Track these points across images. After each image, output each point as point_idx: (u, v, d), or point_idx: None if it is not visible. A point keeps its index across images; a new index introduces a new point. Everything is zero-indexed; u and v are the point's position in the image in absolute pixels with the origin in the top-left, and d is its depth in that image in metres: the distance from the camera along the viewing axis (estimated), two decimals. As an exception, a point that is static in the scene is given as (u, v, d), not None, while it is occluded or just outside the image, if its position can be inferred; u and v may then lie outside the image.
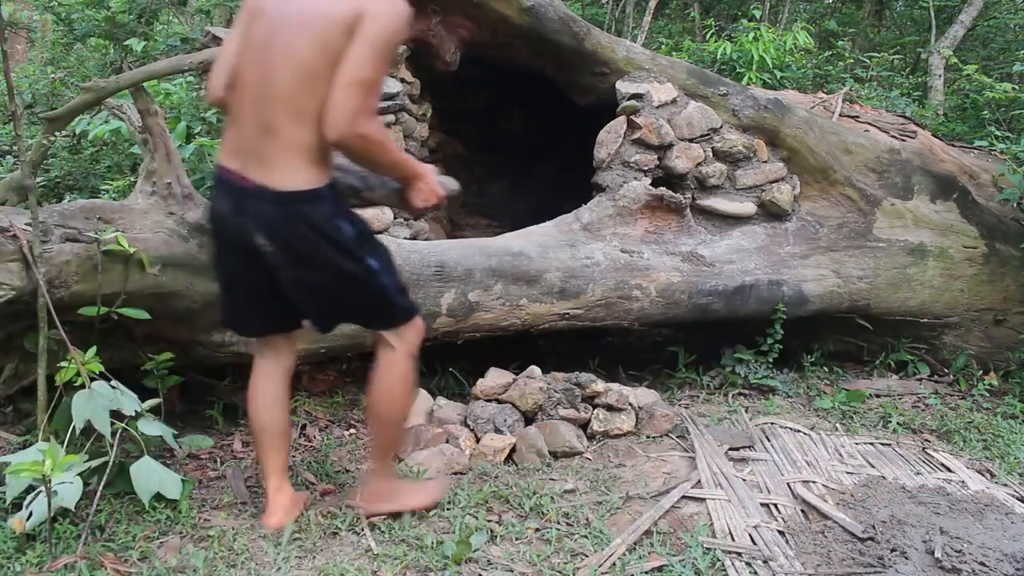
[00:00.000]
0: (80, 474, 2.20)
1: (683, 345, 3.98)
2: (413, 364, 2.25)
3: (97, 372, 2.36)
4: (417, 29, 3.45)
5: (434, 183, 2.22)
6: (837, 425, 3.32)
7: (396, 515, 2.32)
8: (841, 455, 2.96)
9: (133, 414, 2.36)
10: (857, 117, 4.42)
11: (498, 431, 2.92)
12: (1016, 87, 4.99)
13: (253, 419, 2.29)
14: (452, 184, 2.33)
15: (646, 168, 3.54)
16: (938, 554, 2.21)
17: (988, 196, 4.21)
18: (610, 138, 3.56)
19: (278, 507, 2.28)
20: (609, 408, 3.11)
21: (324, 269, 2.07)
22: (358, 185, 2.22)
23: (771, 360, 3.77)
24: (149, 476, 2.29)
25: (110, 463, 2.29)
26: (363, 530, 2.29)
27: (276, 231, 2.02)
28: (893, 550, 2.25)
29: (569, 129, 4.19)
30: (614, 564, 2.15)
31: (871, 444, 3.10)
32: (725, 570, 2.16)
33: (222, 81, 2.13)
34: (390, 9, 1.94)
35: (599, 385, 3.11)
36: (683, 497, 2.55)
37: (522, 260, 3.21)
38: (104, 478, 2.27)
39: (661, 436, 3.10)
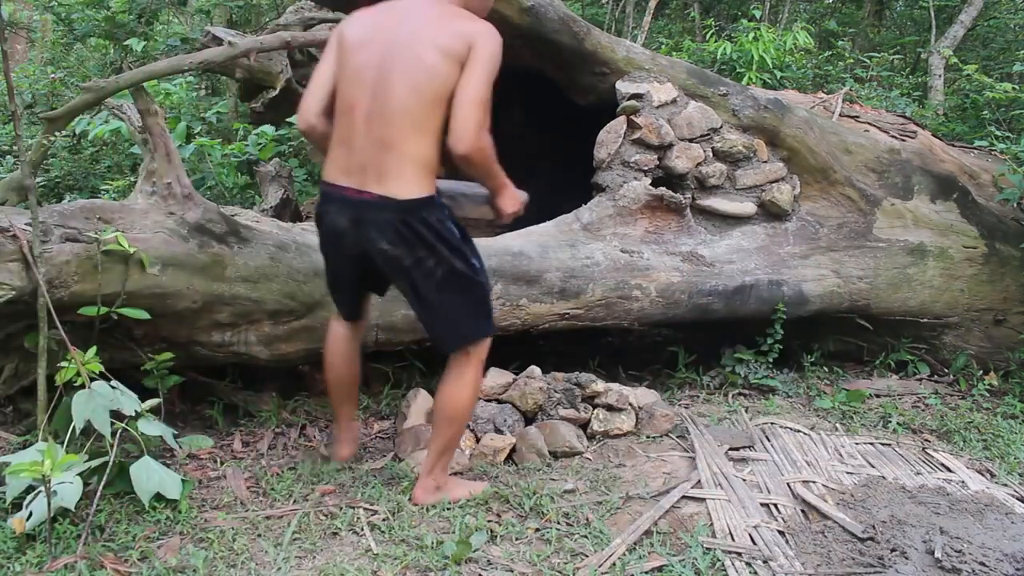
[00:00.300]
0: (80, 474, 2.20)
1: (683, 345, 3.98)
2: (481, 370, 2.48)
3: (97, 372, 2.36)
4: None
5: (516, 192, 2.47)
6: (837, 425, 3.32)
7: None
8: (841, 455, 2.96)
9: (133, 414, 2.36)
10: (857, 117, 4.42)
11: (498, 431, 2.92)
12: (1016, 87, 4.99)
13: (328, 378, 2.66)
14: (523, 194, 2.53)
15: (646, 168, 3.54)
16: (938, 554, 2.21)
17: (988, 196, 4.21)
18: (610, 138, 3.56)
19: (346, 444, 2.71)
20: (609, 408, 3.11)
21: (439, 267, 2.29)
22: (448, 203, 2.39)
23: (771, 360, 3.77)
24: (149, 476, 2.29)
25: (110, 463, 2.29)
26: (363, 530, 2.29)
27: (400, 236, 2.25)
28: (893, 550, 2.25)
29: (569, 129, 4.19)
30: (614, 564, 2.15)
31: (871, 444, 3.10)
32: (725, 570, 2.16)
33: (318, 108, 2.36)
34: (493, 36, 2.23)
35: (599, 385, 3.11)
36: (683, 497, 2.55)
37: (522, 260, 3.21)
38: (104, 478, 2.28)
39: (661, 436, 3.10)
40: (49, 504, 2.06)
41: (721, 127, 3.68)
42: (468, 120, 2.15)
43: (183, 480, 2.38)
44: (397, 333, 3.11)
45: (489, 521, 2.35)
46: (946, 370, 4.06)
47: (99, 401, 2.26)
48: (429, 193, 2.25)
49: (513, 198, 2.45)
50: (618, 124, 3.57)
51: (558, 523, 2.36)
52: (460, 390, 2.42)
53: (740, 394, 3.68)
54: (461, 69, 2.18)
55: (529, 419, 3.04)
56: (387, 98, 2.21)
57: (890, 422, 3.36)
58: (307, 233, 3.12)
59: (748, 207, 3.71)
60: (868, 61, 7.09)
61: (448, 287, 2.32)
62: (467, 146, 2.16)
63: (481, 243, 3.27)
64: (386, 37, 2.26)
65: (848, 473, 2.80)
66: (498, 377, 3.10)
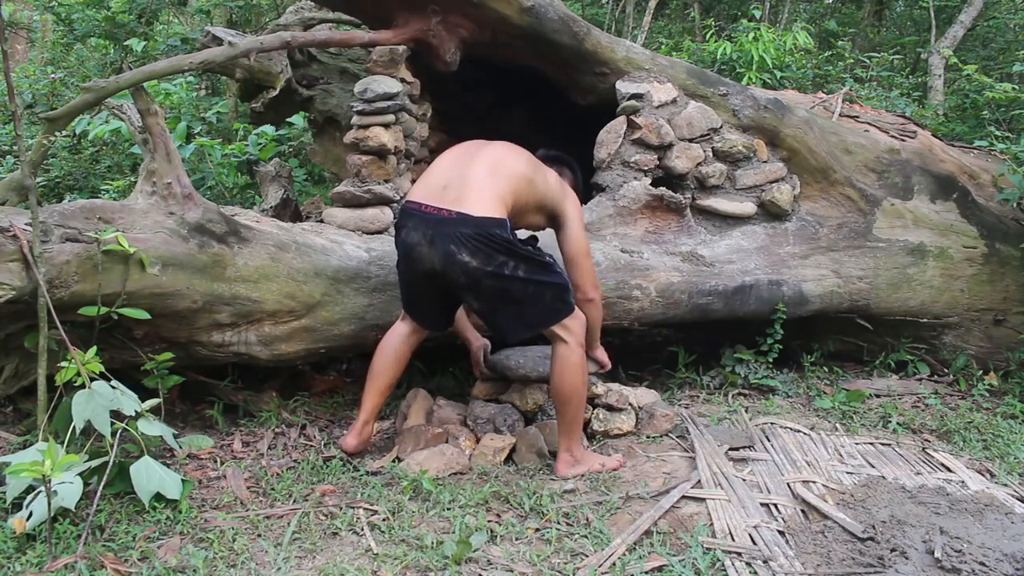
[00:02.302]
0: (80, 474, 2.20)
1: (683, 345, 3.98)
2: (583, 351, 2.74)
3: (97, 372, 2.36)
4: (417, 29, 3.46)
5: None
6: (837, 425, 3.32)
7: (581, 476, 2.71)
8: (841, 455, 2.96)
9: (133, 414, 2.37)
10: (857, 117, 4.42)
11: (498, 431, 2.92)
12: (1016, 87, 4.99)
13: (374, 364, 2.82)
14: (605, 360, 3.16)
15: (646, 168, 3.54)
16: (938, 554, 2.21)
17: (988, 196, 4.21)
18: (610, 138, 3.56)
19: (359, 437, 2.80)
20: (609, 408, 3.11)
21: (518, 271, 2.57)
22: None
23: (771, 360, 3.77)
24: (149, 476, 2.29)
25: (110, 463, 2.29)
26: (363, 530, 2.29)
27: (476, 248, 2.55)
28: (893, 550, 2.25)
29: (569, 129, 4.19)
30: (614, 564, 2.15)
31: (871, 444, 3.10)
32: (725, 570, 2.16)
33: None
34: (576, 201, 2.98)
35: (599, 387, 3.11)
36: (683, 497, 2.55)
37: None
38: (104, 478, 2.28)
39: (661, 436, 3.10)
40: (49, 504, 2.06)
41: (721, 127, 3.68)
42: (587, 271, 2.83)
43: (183, 480, 2.38)
44: (397, 333, 3.11)
45: (489, 521, 2.35)
46: (946, 370, 4.06)
47: (99, 401, 2.26)
48: (502, 215, 2.58)
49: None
50: (618, 124, 3.57)
51: (558, 523, 2.36)
52: (565, 371, 2.68)
53: (740, 394, 3.68)
54: (548, 204, 2.79)
55: (529, 419, 3.04)
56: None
57: (890, 422, 3.36)
58: (307, 233, 3.12)
59: (748, 207, 3.71)
60: (868, 61, 7.09)
61: (534, 278, 2.61)
62: (593, 292, 2.84)
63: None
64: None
65: (848, 473, 2.80)
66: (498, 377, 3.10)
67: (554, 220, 2.85)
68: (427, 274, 2.62)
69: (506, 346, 3.00)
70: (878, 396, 3.74)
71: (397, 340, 2.82)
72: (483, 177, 2.61)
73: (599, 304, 2.89)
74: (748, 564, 2.18)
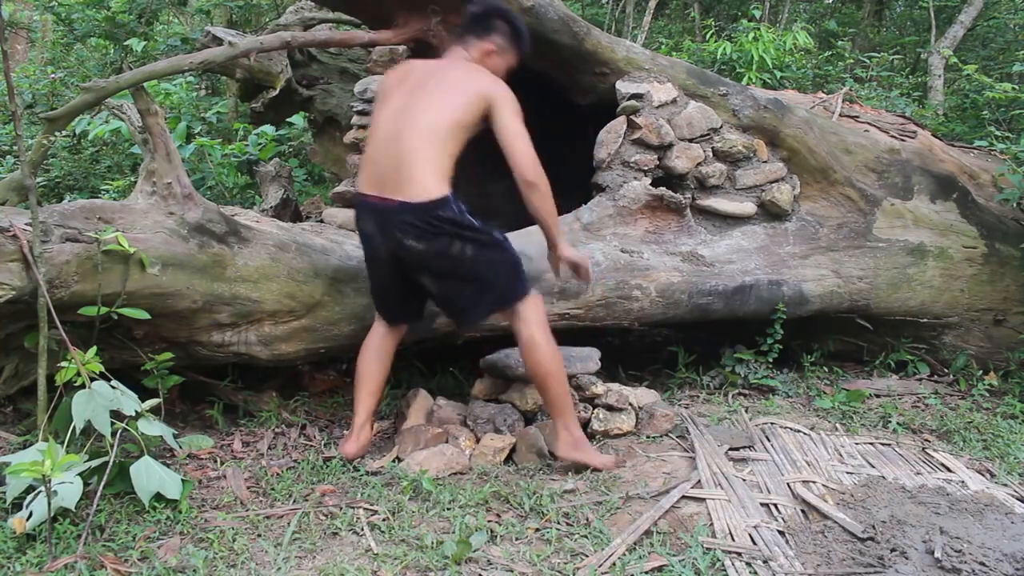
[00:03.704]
0: (80, 474, 2.20)
1: (683, 345, 3.98)
2: (547, 331, 2.68)
3: (97, 372, 2.36)
4: (417, 29, 3.46)
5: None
6: (837, 425, 3.32)
7: (582, 467, 2.70)
8: (841, 455, 2.96)
9: (133, 414, 2.37)
10: (857, 117, 4.42)
11: (498, 431, 2.92)
12: (1016, 87, 4.99)
13: (358, 368, 2.83)
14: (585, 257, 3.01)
15: (646, 168, 3.54)
16: (938, 554, 2.21)
17: (988, 196, 4.21)
18: (610, 138, 3.56)
19: (358, 440, 2.79)
20: (609, 408, 3.11)
21: (465, 250, 2.55)
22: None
23: (771, 360, 3.77)
24: (149, 476, 2.29)
25: (110, 463, 2.29)
26: (363, 530, 2.29)
27: (421, 232, 2.53)
28: (893, 550, 2.25)
29: (569, 129, 4.19)
30: (614, 564, 2.15)
31: (871, 444, 3.10)
32: (725, 570, 2.16)
33: None
34: (508, 92, 2.72)
35: (599, 387, 3.11)
36: (683, 497, 2.55)
37: (522, 260, 3.20)
38: (104, 478, 2.28)
39: (661, 436, 3.10)
40: (49, 504, 2.06)
41: (721, 127, 3.68)
42: (523, 153, 2.59)
43: (183, 480, 2.38)
44: (397, 333, 3.11)
45: (489, 521, 2.35)
46: (946, 370, 4.05)
47: (99, 401, 2.26)
48: (443, 194, 2.52)
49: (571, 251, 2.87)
50: (618, 124, 3.57)
51: (558, 523, 2.36)
52: (531, 354, 2.66)
53: (740, 394, 3.68)
54: (481, 114, 2.60)
55: (529, 419, 3.04)
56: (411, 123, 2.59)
57: (890, 422, 3.36)
58: (307, 233, 3.12)
59: (748, 207, 3.71)
60: (868, 61, 7.09)
61: (483, 258, 2.59)
62: (533, 174, 2.59)
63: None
64: (416, 78, 2.70)
65: (848, 473, 2.80)
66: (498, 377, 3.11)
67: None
68: (385, 261, 2.67)
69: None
70: (878, 396, 3.74)
71: (377, 340, 2.83)
72: (418, 152, 2.54)
73: (545, 192, 2.64)
74: (748, 564, 2.18)
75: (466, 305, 2.71)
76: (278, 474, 2.64)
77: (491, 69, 2.78)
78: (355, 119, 3.41)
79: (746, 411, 3.41)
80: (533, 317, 2.67)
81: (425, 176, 2.52)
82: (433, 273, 2.63)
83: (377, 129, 2.69)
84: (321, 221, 3.50)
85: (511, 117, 2.63)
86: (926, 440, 3.24)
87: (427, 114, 2.60)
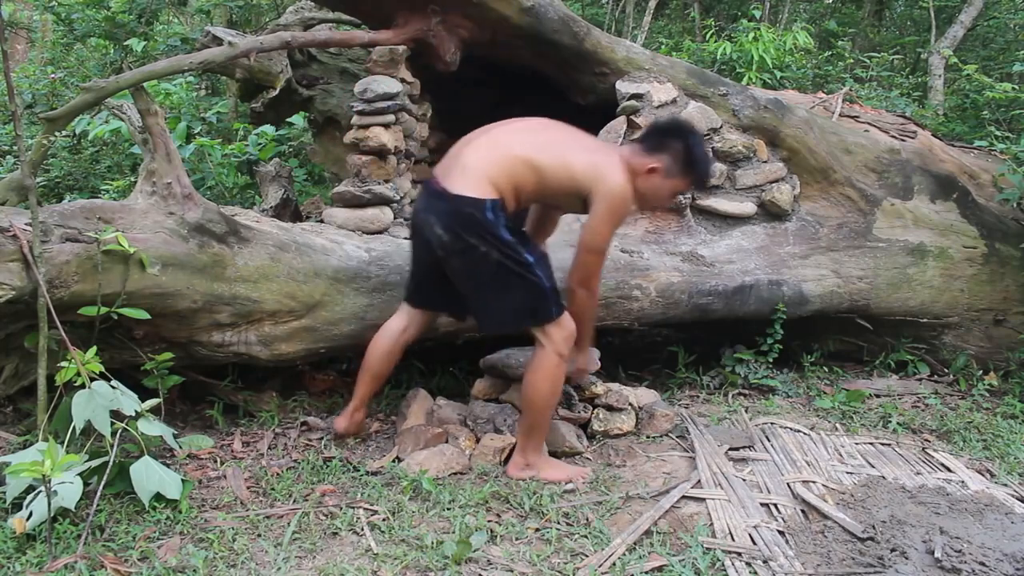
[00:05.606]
0: (80, 474, 2.20)
1: (683, 345, 3.98)
2: (562, 363, 2.63)
3: (97, 372, 2.36)
4: (417, 29, 3.46)
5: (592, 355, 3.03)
6: (837, 425, 3.32)
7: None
8: (841, 455, 2.96)
9: (133, 414, 2.37)
10: (857, 117, 4.42)
11: (498, 431, 2.92)
12: (1016, 87, 4.99)
13: (366, 355, 2.85)
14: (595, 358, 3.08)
15: (646, 168, 3.54)
16: (938, 554, 2.21)
17: (988, 196, 4.21)
18: (610, 138, 3.56)
19: (349, 420, 2.89)
20: (609, 408, 3.10)
21: (487, 259, 2.53)
22: None
23: (771, 360, 3.77)
24: (149, 476, 2.29)
25: (110, 463, 2.29)
26: (363, 530, 2.29)
27: (449, 225, 2.54)
28: (893, 550, 2.25)
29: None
30: (614, 564, 2.15)
31: (871, 444, 3.10)
32: (725, 570, 2.16)
33: None
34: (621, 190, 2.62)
35: (599, 387, 3.11)
36: (683, 497, 2.55)
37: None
38: (104, 478, 2.28)
39: (661, 436, 3.10)
40: (49, 504, 2.06)
41: (721, 127, 3.68)
42: (586, 264, 2.61)
43: (183, 480, 2.38)
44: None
45: (489, 521, 2.35)
46: (946, 370, 4.05)
47: (99, 401, 2.26)
48: (483, 196, 2.51)
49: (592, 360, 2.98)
50: (618, 124, 3.57)
51: (558, 523, 2.36)
52: (535, 378, 2.63)
53: (740, 394, 3.68)
54: (572, 187, 2.57)
55: (529, 419, 3.04)
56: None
57: (890, 422, 3.36)
58: (307, 233, 3.12)
59: (748, 207, 3.71)
60: (868, 61, 7.09)
61: (503, 274, 2.55)
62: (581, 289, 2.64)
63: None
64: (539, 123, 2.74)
65: (848, 473, 2.80)
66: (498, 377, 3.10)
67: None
68: (421, 244, 2.70)
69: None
70: (878, 396, 3.74)
71: (389, 334, 2.83)
72: (476, 156, 2.58)
73: (581, 300, 2.66)
74: (748, 564, 2.18)
75: (478, 311, 2.70)
76: (278, 474, 2.64)
77: (645, 186, 2.64)
78: (355, 119, 3.41)
79: (746, 411, 3.41)
80: (552, 344, 2.61)
81: (477, 177, 2.53)
82: (452, 268, 2.62)
83: (470, 135, 2.71)
84: (321, 221, 3.49)
85: (597, 221, 2.56)
86: (926, 440, 3.24)
87: (507, 138, 2.63)
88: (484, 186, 2.53)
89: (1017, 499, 2.65)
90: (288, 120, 5.55)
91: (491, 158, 2.58)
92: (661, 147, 2.63)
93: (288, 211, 4.21)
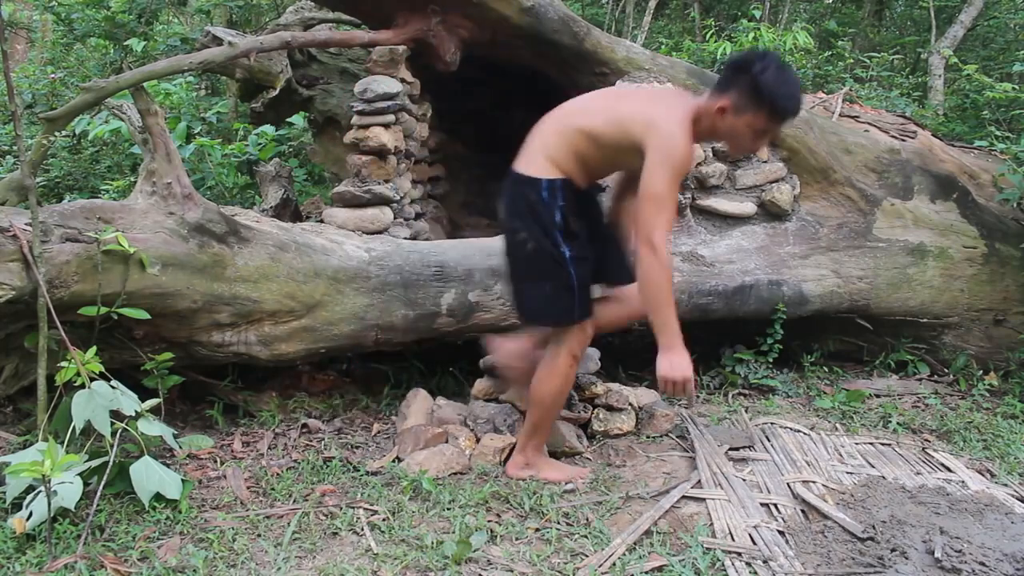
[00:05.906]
0: (80, 474, 2.20)
1: (683, 345, 3.97)
2: (573, 364, 2.62)
3: (97, 372, 2.36)
4: (417, 29, 3.46)
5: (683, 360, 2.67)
6: (837, 425, 3.32)
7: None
8: (841, 455, 2.96)
9: (133, 414, 2.37)
10: (857, 117, 4.42)
11: (498, 431, 2.92)
12: (1016, 87, 4.99)
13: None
14: (686, 367, 2.76)
15: (646, 168, 3.54)
16: (938, 554, 2.21)
17: (988, 196, 4.21)
18: (610, 138, 3.55)
19: (517, 344, 2.86)
20: (609, 408, 3.10)
21: (527, 242, 2.49)
22: None
23: (771, 360, 3.77)
24: (149, 476, 2.30)
25: (110, 463, 2.29)
26: (363, 530, 2.29)
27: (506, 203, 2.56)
28: (893, 550, 2.25)
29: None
30: (614, 564, 2.15)
31: (871, 444, 3.10)
32: (725, 570, 2.16)
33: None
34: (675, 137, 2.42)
35: (599, 387, 3.11)
36: (683, 497, 2.55)
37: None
38: (104, 478, 2.28)
39: (661, 436, 3.10)
40: (49, 504, 2.06)
41: (721, 127, 3.67)
42: (648, 213, 2.32)
43: (183, 480, 2.38)
44: (397, 333, 3.11)
45: (489, 521, 2.35)
46: (946, 370, 4.05)
47: (99, 401, 2.26)
48: (540, 176, 2.47)
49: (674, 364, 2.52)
50: (618, 124, 3.57)
51: (558, 523, 2.36)
52: (545, 376, 2.61)
53: (740, 394, 3.68)
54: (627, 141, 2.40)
55: (529, 419, 3.04)
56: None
57: (890, 422, 3.36)
58: (307, 233, 3.12)
59: (748, 207, 3.71)
60: (868, 61, 7.09)
61: (536, 261, 2.51)
62: (648, 236, 2.32)
63: (481, 243, 3.29)
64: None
65: (848, 473, 2.80)
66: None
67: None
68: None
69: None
70: (878, 396, 3.74)
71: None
72: (543, 135, 2.56)
73: (646, 261, 2.33)
74: (748, 564, 2.18)
75: (515, 299, 2.69)
76: (278, 474, 2.64)
77: (723, 127, 2.43)
78: (355, 119, 3.41)
79: (746, 411, 3.41)
80: (564, 346, 2.59)
81: (539, 158, 2.51)
82: (504, 245, 2.62)
83: (543, 117, 2.67)
84: (321, 221, 3.49)
85: (655, 168, 2.31)
86: (926, 440, 3.24)
87: (571, 113, 2.57)
88: (544, 166, 2.50)
89: (1017, 499, 2.65)
90: (288, 120, 5.55)
91: (550, 136, 2.55)
92: (729, 83, 2.39)
93: (288, 211, 4.21)
